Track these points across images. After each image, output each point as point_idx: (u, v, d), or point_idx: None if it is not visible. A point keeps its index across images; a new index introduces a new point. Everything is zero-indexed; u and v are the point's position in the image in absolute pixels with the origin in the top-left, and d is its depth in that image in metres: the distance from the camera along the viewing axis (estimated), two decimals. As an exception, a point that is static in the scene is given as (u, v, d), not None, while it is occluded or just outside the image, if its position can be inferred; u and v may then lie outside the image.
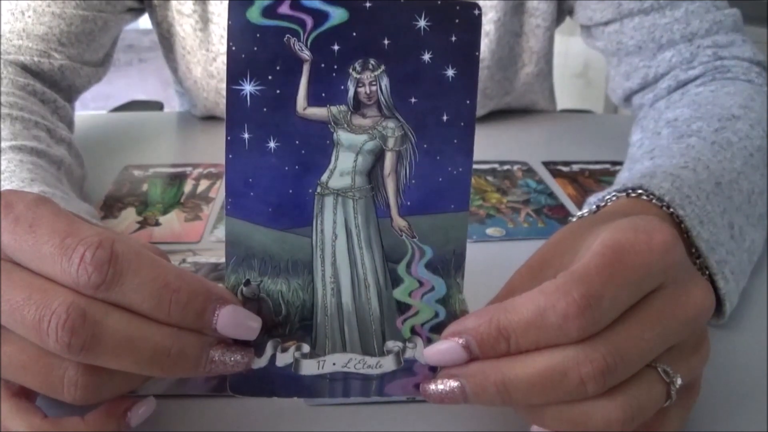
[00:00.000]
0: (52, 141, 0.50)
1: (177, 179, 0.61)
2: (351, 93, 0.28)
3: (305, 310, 0.30)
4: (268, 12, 0.27)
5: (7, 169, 0.42)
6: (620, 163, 0.55)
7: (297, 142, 0.28)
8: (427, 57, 0.28)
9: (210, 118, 0.78)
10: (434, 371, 0.30)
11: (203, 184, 0.60)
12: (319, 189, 0.29)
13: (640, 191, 0.39)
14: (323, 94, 0.28)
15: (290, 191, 0.29)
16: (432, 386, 0.29)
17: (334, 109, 0.28)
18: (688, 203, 0.39)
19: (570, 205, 0.57)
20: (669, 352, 0.28)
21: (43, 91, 0.57)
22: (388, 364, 0.30)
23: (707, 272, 0.39)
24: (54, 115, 0.57)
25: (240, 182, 0.29)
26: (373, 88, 0.28)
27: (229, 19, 0.27)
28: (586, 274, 0.26)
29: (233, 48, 0.27)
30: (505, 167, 0.65)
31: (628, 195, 0.39)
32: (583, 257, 0.28)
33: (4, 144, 0.45)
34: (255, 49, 0.27)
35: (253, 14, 0.27)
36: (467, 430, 0.33)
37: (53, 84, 0.61)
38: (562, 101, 0.99)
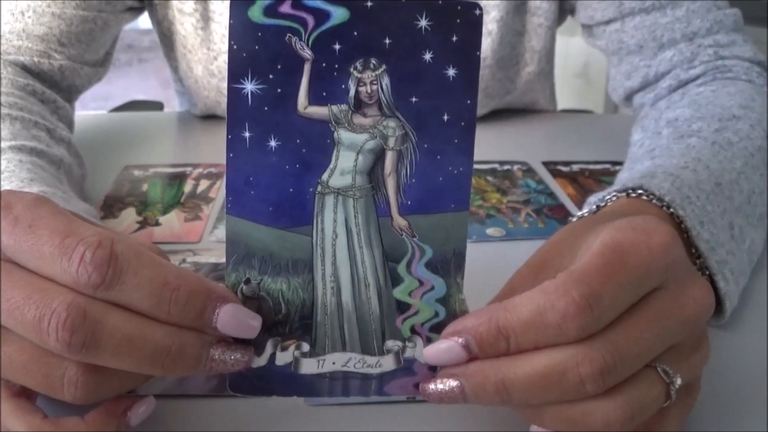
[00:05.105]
0: (51, 141, 0.50)
1: (177, 179, 0.61)
2: (352, 92, 0.28)
3: (305, 308, 0.30)
4: (270, 11, 0.27)
5: (6, 169, 0.42)
6: (620, 163, 0.55)
7: (298, 141, 0.28)
8: (428, 56, 0.28)
9: (210, 117, 0.78)
10: (434, 371, 0.30)
11: (203, 184, 0.60)
12: (319, 188, 0.29)
13: (640, 191, 0.39)
14: (324, 93, 0.28)
15: (291, 190, 0.29)
16: (431, 386, 0.29)
17: (334, 108, 0.28)
18: (688, 203, 0.39)
19: (570, 205, 0.57)
20: (669, 352, 0.28)
21: (43, 91, 0.57)
22: (387, 363, 0.30)
23: (707, 272, 0.38)
24: (54, 115, 0.57)
25: (240, 181, 0.29)
26: (374, 87, 0.28)
27: (230, 18, 0.27)
28: (586, 274, 0.26)
29: (234, 47, 0.27)
30: (505, 167, 0.65)
31: (628, 195, 0.39)
32: (582, 257, 0.28)
33: (3, 144, 0.45)
34: (256, 48, 0.27)
35: (255, 13, 0.27)
36: (467, 430, 0.33)
37: (53, 84, 0.61)
38: (562, 101, 0.99)
